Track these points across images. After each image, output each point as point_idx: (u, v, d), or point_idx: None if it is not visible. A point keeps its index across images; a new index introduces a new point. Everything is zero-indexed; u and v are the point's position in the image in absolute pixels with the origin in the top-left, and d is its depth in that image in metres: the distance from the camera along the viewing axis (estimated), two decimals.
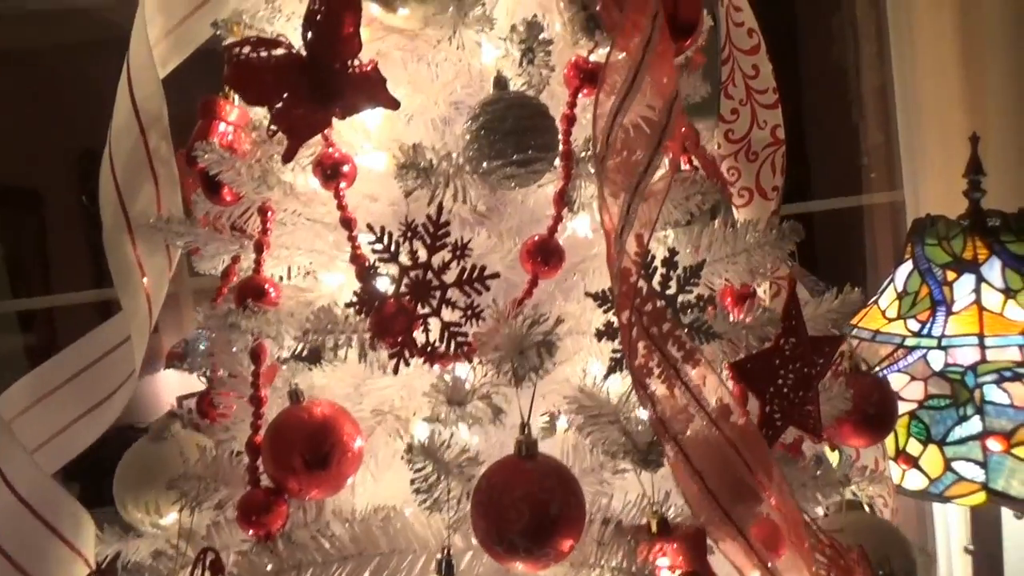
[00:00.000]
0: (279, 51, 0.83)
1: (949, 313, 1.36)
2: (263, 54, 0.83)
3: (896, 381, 1.33)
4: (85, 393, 0.91)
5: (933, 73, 1.90)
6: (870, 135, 2.44)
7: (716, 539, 0.76)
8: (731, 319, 0.79)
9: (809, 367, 0.86)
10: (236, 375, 0.90)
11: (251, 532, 0.83)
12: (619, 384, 0.80)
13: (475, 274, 0.71)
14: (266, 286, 0.89)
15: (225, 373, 0.93)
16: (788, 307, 0.85)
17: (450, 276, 0.72)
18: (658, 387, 0.75)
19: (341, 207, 0.87)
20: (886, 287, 1.51)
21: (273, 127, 0.82)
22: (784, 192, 1.15)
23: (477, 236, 0.91)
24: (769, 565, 0.75)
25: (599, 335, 0.76)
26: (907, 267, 1.46)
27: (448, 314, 0.73)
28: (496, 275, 0.72)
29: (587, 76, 0.89)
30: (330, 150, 0.87)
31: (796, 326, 0.86)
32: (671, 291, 0.77)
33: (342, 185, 0.88)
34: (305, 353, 0.81)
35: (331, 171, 0.87)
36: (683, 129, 0.91)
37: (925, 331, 1.36)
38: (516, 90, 0.81)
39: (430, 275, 0.72)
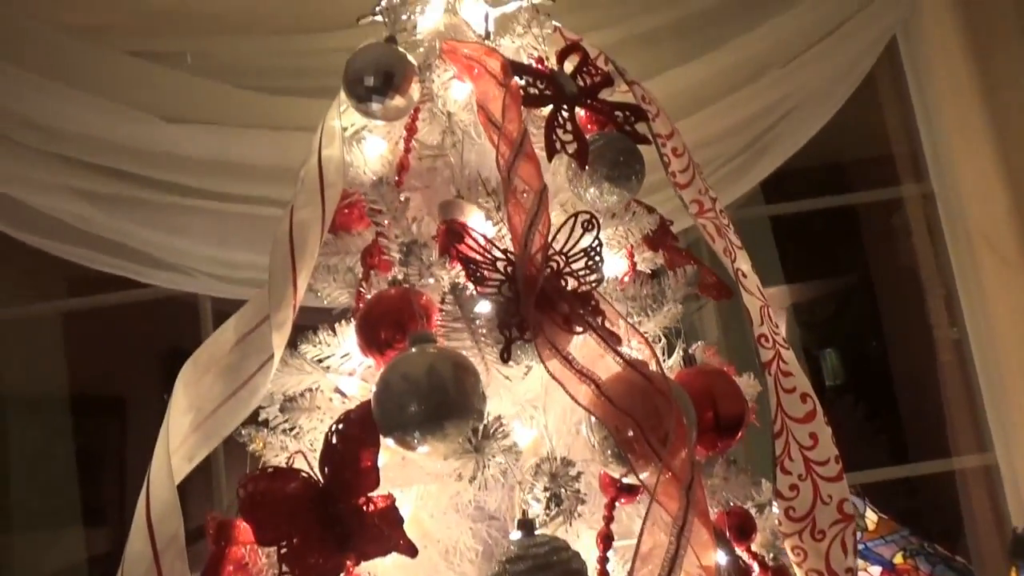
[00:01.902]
0: (295, 484, 0.80)
1: None
2: (278, 487, 0.80)
3: None
4: None
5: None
6: (950, 387, 2.30)
7: None
8: None
9: None
10: None
11: None
12: None
13: None
14: None
15: None
16: None
17: None
18: None
19: None
20: None
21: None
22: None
23: None
24: None
25: None
26: None
27: None
28: None
29: (624, 488, 0.83)
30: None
31: None
32: None
33: None
34: None
35: None
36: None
37: None
38: (543, 535, 0.74)
39: None
